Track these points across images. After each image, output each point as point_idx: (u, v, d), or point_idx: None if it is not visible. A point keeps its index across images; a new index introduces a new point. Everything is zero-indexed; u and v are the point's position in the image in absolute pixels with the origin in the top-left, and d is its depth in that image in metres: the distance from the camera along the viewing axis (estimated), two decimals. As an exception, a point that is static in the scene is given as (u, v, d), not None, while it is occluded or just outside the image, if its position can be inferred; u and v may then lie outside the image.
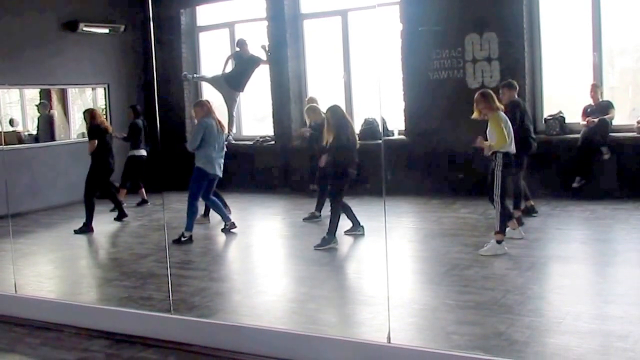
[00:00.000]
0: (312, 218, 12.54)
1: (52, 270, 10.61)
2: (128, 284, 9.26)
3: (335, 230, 10.58)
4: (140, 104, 16.15)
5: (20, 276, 9.16)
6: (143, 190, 15.39)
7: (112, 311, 7.66)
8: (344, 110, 11.27)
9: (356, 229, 11.07)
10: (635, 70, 13.63)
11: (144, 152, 15.23)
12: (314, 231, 11.76)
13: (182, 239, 11.37)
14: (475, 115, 10.06)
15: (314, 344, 6.22)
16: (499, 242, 9.57)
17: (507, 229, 9.98)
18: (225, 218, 12.04)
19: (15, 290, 8.33)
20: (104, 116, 15.90)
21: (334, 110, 10.98)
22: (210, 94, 16.35)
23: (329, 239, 10.52)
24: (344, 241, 10.87)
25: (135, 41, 17.38)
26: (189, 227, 11.54)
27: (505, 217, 9.81)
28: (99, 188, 13.14)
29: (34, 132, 16.44)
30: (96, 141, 12.96)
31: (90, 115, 13.36)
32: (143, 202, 15.33)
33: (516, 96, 11.56)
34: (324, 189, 12.35)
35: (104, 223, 13.35)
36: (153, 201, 15.11)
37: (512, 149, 9.92)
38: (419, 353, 5.87)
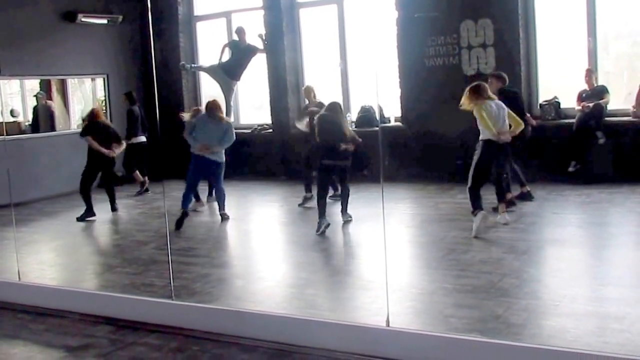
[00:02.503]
0: (306, 202, 12.64)
1: (55, 257, 10.71)
2: (130, 270, 9.35)
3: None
4: (139, 94, 16.24)
5: (24, 264, 9.20)
6: (146, 178, 15.47)
7: (114, 297, 7.72)
8: (341, 107, 11.40)
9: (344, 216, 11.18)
10: (630, 55, 13.69)
11: (142, 139, 15.32)
12: (312, 218, 11.81)
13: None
14: (464, 104, 10.20)
15: (313, 328, 6.28)
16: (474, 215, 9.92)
17: (498, 216, 10.14)
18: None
19: (19, 278, 8.41)
20: (104, 109, 16.11)
21: (328, 108, 11.25)
22: (208, 83, 16.45)
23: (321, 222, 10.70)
24: (344, 228, 10.95)
25: (134, 31, 17.41)
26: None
27: (473, 198, 10.13)
28: (93, 180, 13.36)
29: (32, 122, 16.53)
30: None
31: (94, 114, 13.56)
32: (145, 190, 15.40)
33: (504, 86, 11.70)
34: (310, 171, 12.48)
35: (106, 212, 13.43)
36: (153, 189, 15.17)
37: (500, 137, 10.08)
38: (417, 336, 5.92)
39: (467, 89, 10.27)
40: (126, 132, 15.26)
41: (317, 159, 11.34)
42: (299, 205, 12.63)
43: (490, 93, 10.26)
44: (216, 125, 12.14)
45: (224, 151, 12.27)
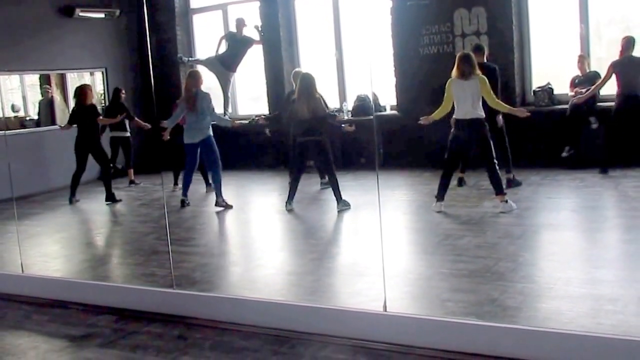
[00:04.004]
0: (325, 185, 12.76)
1: (57, 249, 10.72)
2: (131, 261, 9.48)
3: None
4: (137, 87, 16.34)
5: (27, 256, 9.26)
6: (130, 171, 15.71)
7: (116, 288, 7.82)
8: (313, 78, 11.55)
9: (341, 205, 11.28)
10: (622, 40, 13.76)
11: (117, 134, 15.45)
12: (310, 207, 11.92)
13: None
14: (455, 75, 10.33)
15: (312, 314, 6.33)
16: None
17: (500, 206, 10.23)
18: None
19: (22, 270, 8.46)
20: (102, 102, 16.22)
21: (303, 77, 11.40)
22: (206, 76, 16.52)
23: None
24: (339, 216, 11.02)
25: (131, 25, 17.48)
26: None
27: (439, 185, 10.60)
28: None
29: (35, 117, 16.59)
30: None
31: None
32: (131, 182, 15.62)
33: (485, 60, 11.80)
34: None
35: (105, 203, 13.56)
36: (153, 181, 15.28)
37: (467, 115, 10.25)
38: (414, 320, 5.97)
39: (462, 56, 10.48)
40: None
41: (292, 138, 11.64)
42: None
43: (472, 69, 10.34)
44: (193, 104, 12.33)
45: (208, 127, 12.40)
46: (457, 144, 10.50)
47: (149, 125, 15.02)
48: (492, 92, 10.33)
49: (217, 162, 12.26)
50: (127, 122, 15.27)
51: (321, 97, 11.42)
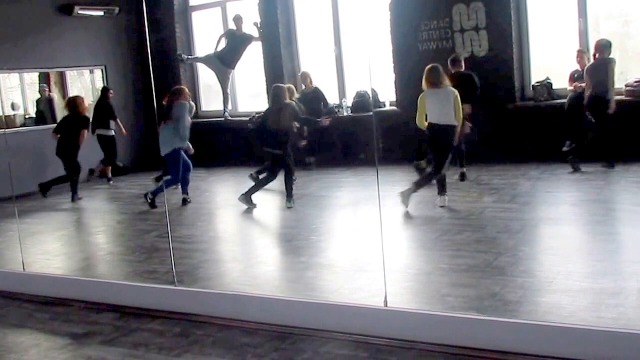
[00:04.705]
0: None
1: (59, 247, 10.76)
2: (133, 258, 9.46)
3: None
4: (137, 84, 16.36)
5: (28, 254, 9.30)
6: (108, 168, 15.87)
7: (118, 285, 7.81)
8: (282, 91, 11.85)
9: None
10: (621, 34, 13.73)
11: (104, 132, 15.45)
12: (310, 203, 11.93)
13: None
14: (425, 87, 10.49)
15: (313, 310, 6.36)
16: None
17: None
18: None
19: (24, 268, 8.48)
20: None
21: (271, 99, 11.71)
22: (206, 73, 16.55)
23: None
24: (340, 212, 11.03)
25: (130, 22, 17.48)
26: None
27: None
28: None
29: (34, 115, 16.64)
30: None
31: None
32: (103, 176, 15.82)
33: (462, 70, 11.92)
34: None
35: (106, 202, 13.56)
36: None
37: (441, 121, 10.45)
38: (414, 315, 6.00)
39: (431, 68, 10.61)
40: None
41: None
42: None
43: (441, 78, 10.48)
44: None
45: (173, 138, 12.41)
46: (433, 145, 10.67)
47: (124, 132, 15.48)
48: (461, 107, 10.59)
49: (189, 169, 12.57)
50: (111, 121, 15.32)
51: (293, 104, 11.62)
